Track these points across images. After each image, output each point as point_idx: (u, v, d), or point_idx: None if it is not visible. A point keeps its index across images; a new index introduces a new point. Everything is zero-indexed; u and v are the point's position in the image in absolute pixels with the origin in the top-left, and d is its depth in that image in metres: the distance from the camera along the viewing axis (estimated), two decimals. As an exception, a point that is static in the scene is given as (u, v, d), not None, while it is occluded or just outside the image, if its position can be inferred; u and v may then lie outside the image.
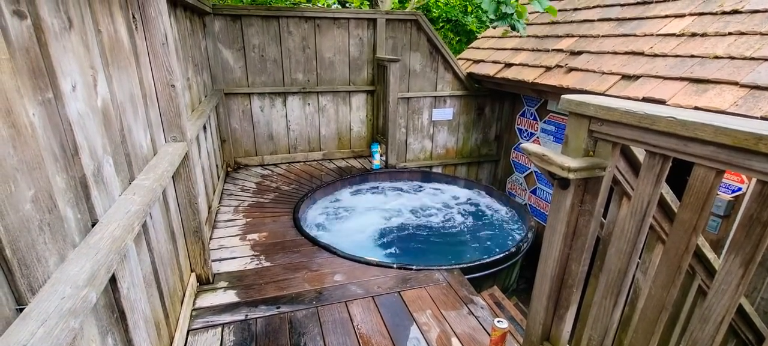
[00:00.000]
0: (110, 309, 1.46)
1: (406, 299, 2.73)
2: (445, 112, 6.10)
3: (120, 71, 1.80)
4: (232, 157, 5.23)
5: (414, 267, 3.08)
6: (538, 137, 5.57)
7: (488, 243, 4.04)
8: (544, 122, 5.42)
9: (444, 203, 4.86)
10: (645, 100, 3.19)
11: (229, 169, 5.18)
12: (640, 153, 1.59)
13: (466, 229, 4.30)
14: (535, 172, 5.67)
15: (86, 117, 1.42)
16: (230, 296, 2.73)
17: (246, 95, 5.18)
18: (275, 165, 5.48)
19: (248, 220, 3.88)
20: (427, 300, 2.72)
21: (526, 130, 5.81)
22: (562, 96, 1.57)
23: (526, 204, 5.86)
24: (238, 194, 4.48)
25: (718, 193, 3.46)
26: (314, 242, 3.46)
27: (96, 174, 1.45)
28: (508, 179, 6.30)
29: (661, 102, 3.04)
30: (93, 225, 1.41)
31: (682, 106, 2.87)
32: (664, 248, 1.32)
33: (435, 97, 5.99)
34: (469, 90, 6.01)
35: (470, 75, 5.97)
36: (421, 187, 5.23)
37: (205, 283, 2.86)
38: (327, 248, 3.35)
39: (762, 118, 2.42)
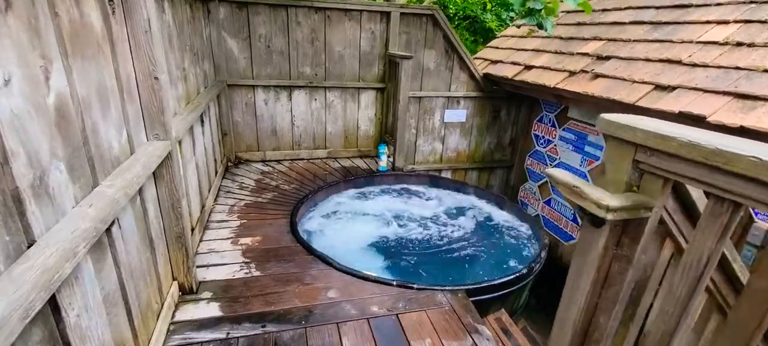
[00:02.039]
0: (51, 343, 1.24)
1: (405, 323, 2.48)
2: (459, 114, 5.80)
3: (86, 61, 1.57)
4: (232, 151, 5.02)
5: (415, 286, 2.82)
6: (555, 145, 5.24)
7: (497, 259, 3.76)
8: (563, 129, 5.09)
9: (451, 211, 4.58)
10: (681, 115, 2.86)
11: (229, 163, 4.98)
12: (694, 191, 1.31)
13: (473, 242, 4.02)
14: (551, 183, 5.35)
15: (25, 116, 1.19)
16: (213, 310, 2.51)
17: (250, 87, 4.96)
18: (277, 161, 5.26)
19: (243, 222, 3.66)
20: (427, 326, 2.46)
21: (544, 137, 5.49)
22: (601, 116, 1.29)
23: (538, 215, 5.54)
24: (236, 192, 4.27)
25: (756, 220, 3.13)
26: (310, 250, 3.23)
27: (37, 185, 1.22)
28: (521, 187, 5.98)
29: (701, 118, 2.71)
30: (30, 246, 1.19)
31: (726, 125, 2.55)
32: (726, 320, 1.05)
33: (448, 97, 5.69)
34: (485, 92, 5.70)
35: (487, 76, 5.66)
36: (427, 192, 4.96)
37: (188, 292, 2.65)
38: (323, 259, 3.11)
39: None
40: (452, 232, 4.15)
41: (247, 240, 3.35)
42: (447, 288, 2.82)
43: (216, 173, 4.32)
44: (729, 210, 0.99)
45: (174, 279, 2.56)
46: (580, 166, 4.80)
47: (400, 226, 4.16)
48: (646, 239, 1.24)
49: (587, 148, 4.70)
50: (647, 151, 1.15)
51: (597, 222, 1.30)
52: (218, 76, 4.73)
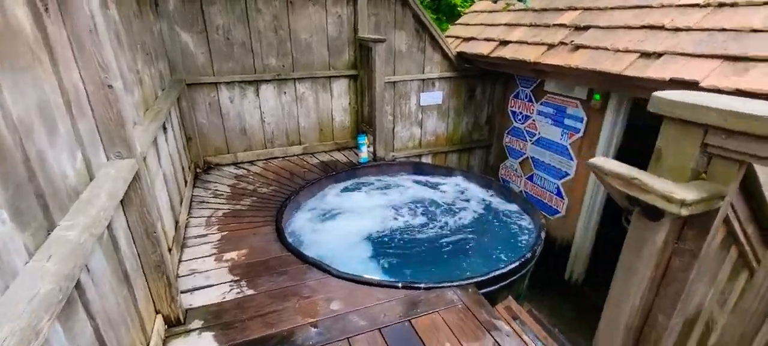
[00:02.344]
0: None
1: (419, 328, 2.32)
2: (434, 96, 5.64)
3: (18, 74, 1.23)
4: (200, 156, 4.60)
5: (422, 286, 2.66)
6: (534, 120, 5.22)
7: (494, 244, 3.67)
8: (541, 104, 5.06)
9: (440, 197, 4.45)
10: (673, 81, 2.84)
11: (197, 170, 4.56)
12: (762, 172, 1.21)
13: (467, 228, 3.91)
14: (532, 158, 5.34)
15: (-56, 159, 0.87)
16: (207, 341, 2.23)
17: (212, 85, 4.53)
18: (251, 163, 4.89)
19: (224, 234, 3.34)
20: (443, 329, 2.32)
21: (521, 113, 5.45)
22: (657, 96, 1.14)
23: (522, 191, 5.55)
24: (210, 201, 3.90)
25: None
26: (303, 258, 2.99)
27: (-28, 247, 0.92)
28: (502, 165, 5.96)
29: (694, 83, 2.69)
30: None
31: (721, 89, 2.53)
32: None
33: (423, 80, 5.50)
34: (459, 71, 5.56)
35: (460, 54, 5.51)
36: (413, 180, 4.79)
37: (175, 324, 2.35)
38: (318, 266, 2.88)
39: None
40: (445, 219, 4.03)
41: (233, 255, 3.05)
42: (455, 284, 2.69)
43: (185, 182, 3.92)
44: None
45: (157, 312, 2.26)
46: (561, 139, 4.80)
47: (391, 219, 3.98)
48: (715, 232, 1.12)
49: (567, 121, 4.69)
50: (723, 134, 1.01)
51: (654, 215, 1.16)
52: (175, 75, 4.27)
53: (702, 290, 1.31)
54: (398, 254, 3.49)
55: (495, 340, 2.22)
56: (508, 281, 2.87)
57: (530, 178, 5.41)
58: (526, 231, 3.85)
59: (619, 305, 1.33)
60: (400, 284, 2.68)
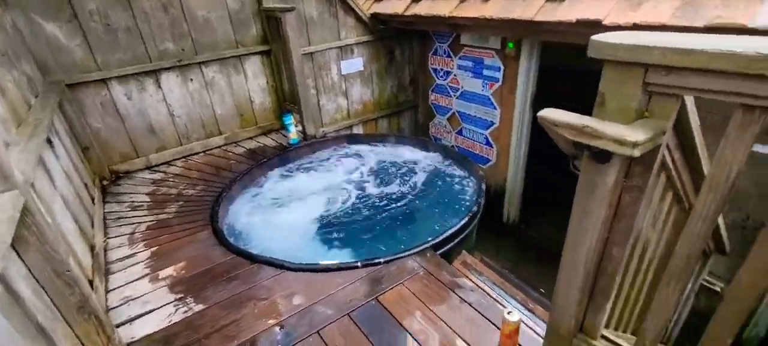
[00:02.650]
0: None
1: (387, 304, 2.32)
2: (355, 63, 5.48)
3: None
4: (104, 166, 3.97)
5: (381, 260, 2.66)
6: (455, 75, 5.36)
7: (442, 204, 3.77)
8: (460, 58, 5.19)
9: (380, 167, 4.43)
10: (579, 22, 3.05)
11: (104, 182, 3.95)
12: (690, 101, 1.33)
13: (413, 192, 3.97)
14: (459, 112, 5.53)
15: None
16: (161, 374, 2.00)
17: (100, 82, 3.87)
18: (167, 164, 4.36)
19: (154, 249, 2.97)
20: (410, 299, 2.35)
21: (442, 70, 5.55)
22: (593, 39, 1.17)
23: (454, 146, 5.76)
24: (129, 216, 3.43)
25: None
26: (252, 258, 2.79)
27: None
28: (431, 123, 6.10)
29: (598, 22, 2.92)
30: None
31: (621, 25, 2.78)
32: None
33: (341, 47, 5.29)
34: (375, 33, 5.43)
35: (375, 16, 5.36)
36: (349, 154, 4.70)
37: (117, 366, 2.06)
38: (271, 263, 2.72)
39: (706, 27, 2.41)
40: (389, 187, 4.03)
41: (169, 270, 2.74)
42: (413, 251, 2.72)
43: (92, 200, 3.38)
44: (761, 118, 0.98)
45: (92, 361, 1.95)
46: (483, 90, 5.01)
47: (335, 197, 3.88)
48: (659, 165, 1.23)
49: (486, 72, 4.89)
50: (662, 71, 1.07)
51: (604, 158, 1.24)
52: (48, 76, 3.56)
53: (643, 217, 1.45)
54: (351, 232, 3.43)
55: (460, 297, 2.31)
56: (460, 238, 2.99)
57: (459, 132, 5.62)
58: (467, 185, 4.01)
59: (575, 247, 1.42)
60: (359, 264, 2.64)
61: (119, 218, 3.38)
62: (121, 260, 2.88)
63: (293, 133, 4.59)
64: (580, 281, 1.46)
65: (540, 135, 5.17)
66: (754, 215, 3.34)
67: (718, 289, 3.35)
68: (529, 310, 2.56)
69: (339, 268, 2.62)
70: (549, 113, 1.24)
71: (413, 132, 6.41)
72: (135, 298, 2.52)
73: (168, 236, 3.12)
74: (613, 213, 1.34)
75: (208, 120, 4.60)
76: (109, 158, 4.04)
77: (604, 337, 1.56)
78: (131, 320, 2.35)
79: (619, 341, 1.54)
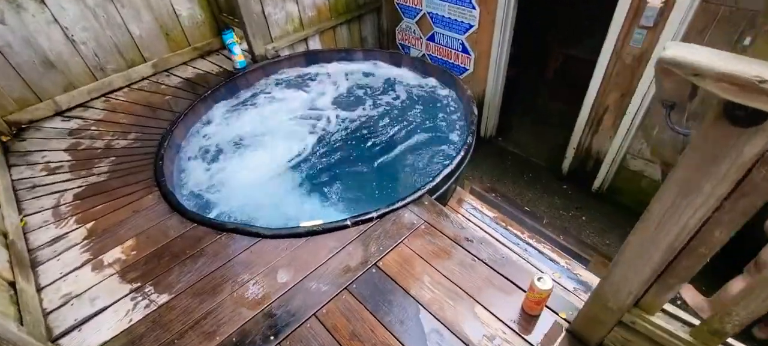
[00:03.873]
0: None
1: (389, 270, 2.05)
2: (303, -45, 4.46)
3: None
4: (-6, 118, 3.09)
5: (374, 214, 2.32)
6: (426, -31, 4.55)
7: (428, 132, 3.35)
8: (431, -54, 4.35)
9: (348, 90, 3.85)
10: None
11: (3, 140, 3.10)
12: None
13: (393, 120, 3.49)
14: (430, 13, 4.84)
15: None
16: (133, 395, 1.67)
17: (-44, 2, 2.79)
18: (83, 106, 3.50)
19: (89, 226, 2.42)
20: (414, 261, 2.08)
21: (409, -38, 4.69)
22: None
23: (424, 55, 5.18)
24: (47, 182, 2.74)
25: (647, 1, 3.21)
26: (218, 226, 2.34)
27: None
28: (397, 28, 5.37)
29: None
30: None
31: None
32: None
33: (283, -65, 4.22)
34: None
35: None
36: (311, 76, 4.02)
37: (74, 391, 1.69)
38: (243, 231, 2.29)
39: None
40: (363, 116, 3.53)
41: (116, 253, 2.24)
42: (409, 200, 2.40)
43: (-12, 170, 2.64)
44: None
45: (36, 400, 1.56)
46: (459, -12, 4.32)
47: (302, 133, 3.34)
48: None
49: (463, -35, 4.16)
50: None
51: (753, 120, 0.87)
52: None
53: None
54: (329, 176, 3.00)
55: (472, 255, 2.08)
56: (456, 176, 2.69)
57: (431, 38, 5.00)
58: (452, 103, 3.60)
59: (665, 225, 1.13)
60: (349, 222, 2.29)
61: (34, 187, 2.69)
62: (49, 243, 2.32)
63: (238, 56, 3.79)
64: (657, 261, 1.21)
65: (516, 35, 4.72)
66: None
67: None
68: (539, 251, 2.42)
69: (325, 229, 2.27)
70: (685, 54, 0.82)
71: (377, 40, 5.68)
72: (79, 294, 2.06)
73: (104, 205, 2.54)
74: (732, 190, 1.02)
75: (124, 44, 3.64)
76: (1, 107, 3.13)
77: (663, 310, 1.39)
78: (79, 325, 1.92)
79: (679, 313, 1.38)
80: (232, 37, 3.75)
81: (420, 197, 2.44)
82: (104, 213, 2.49)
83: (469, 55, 4.70)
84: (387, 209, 2.36)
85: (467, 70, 4.79)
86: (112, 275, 2.14)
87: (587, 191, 4.37)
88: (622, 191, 4.17)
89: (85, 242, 2.32)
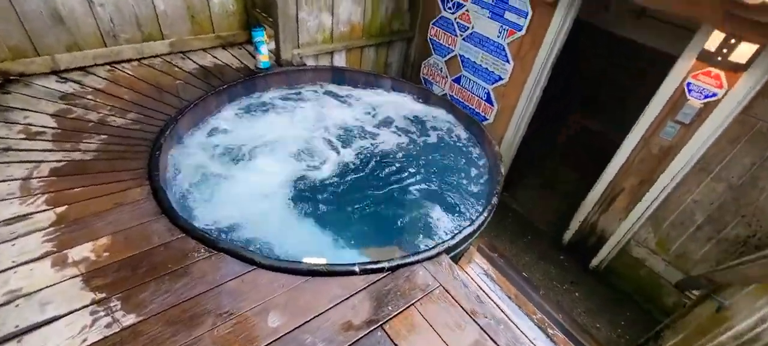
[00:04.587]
0: None
1: (397, 337, 1.77)
2: (349, -30, 4.32)
3: None
4: (-18, 63, 2.77)
5: (386, 265, 2.05)
6: (467, 10, 4.45)
7: (447, 176, 3.11)
8: (479, -10, 4.26)
9: (372, 116, 3.62)
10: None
11: (-17, 87, 2.78)
12: None
13: (411, 158, 3.23)
14: (462, 56, 4.72)
15: None
16: None
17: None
18: (84, 71, 3.20)
19: (61, 210, 2.09)
20: (425, 331, 1.81)
21: (452, 0, 4.59)
22: None
23: (446, 94, 5.03)
24: (23, 146, 2.41)
25: (688, 97, 3.14)
26: (210, 242, 2.04)
27: None
28: (424, 62, 5.23)
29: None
30: None
31: None
32: None
33: (334, -57, 4.09)
34: (381, -66, 4.26)
35: None
36: (332, 93, 3.79)
37: None
38: (237, 254, 2.00)
39: None
40: (385, 147, 3.27)
41: (86, 250, 1.92)
42: (423, 256, 2.14)
43: (-41, 121, 2.31)
44: None
45: None
46: (499, 37, 4.21)
47: (316, 153, 3.07)
48: None
49: (507, 15, 4.06)
50: None
51: None
52: None
53: None
54: (339, 205, 2.71)
55: (488, 336, 1.82)
56: (476, 236, 2.46)
57: (457, 79, 4.87)
58: (474, 153, 3.39)
59: None
60: (357, 268, 2.02)
61: (7, 150, 2.36)
62: (7, 222, 1.98)
63: (264, 56, 3.57)
64: None
65: (547, 106, 4.61)
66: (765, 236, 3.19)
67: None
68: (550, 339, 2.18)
69: (330, 272, 1.99)
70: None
71: (401, 68, 5.53)
72: (29, 293, 1.72)
73: (83, 188, 2.23)
74: None
75: (145, 16, 3.38)
76: (-8, 52, 2.82)
77: None
78: (20, 334, 1.58)
79: None
80: (262, 36, 3.52)
81: (437, 255, 2.19)
82: (81, 198, 2.17)
83: (492, 106, 4.57)
84: (400, 262, 2.10)
85: (487, 119, 4.65)
86: (75, 276, 1.81)
87: (584, 266, 4.24)
88: (620, 274, 4.05)
89: (52, 228, 1.99)
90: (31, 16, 2.89)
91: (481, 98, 4.65)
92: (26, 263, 1.82)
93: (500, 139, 4.58)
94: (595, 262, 4.18)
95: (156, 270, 1.89)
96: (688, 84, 3.08)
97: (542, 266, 4.27)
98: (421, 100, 3.93)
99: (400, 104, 3.84)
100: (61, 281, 1.78)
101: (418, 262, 2.12)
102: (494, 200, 2.59)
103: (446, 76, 4.99)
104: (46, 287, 1.75)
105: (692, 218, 3.48)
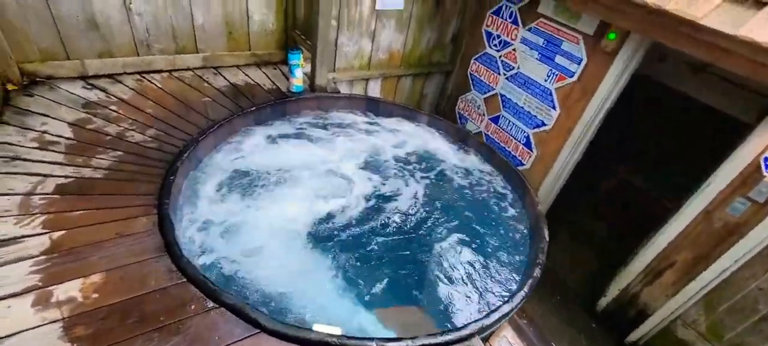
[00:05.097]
0: None
1: None
2: (395, -1, 4.14)
3: None
4: (9, 62, 2.66)
5: (409, 343, 1.74)
6: (514, 49, 4.18)
7: (478, 236, 2.76)
8: (529, 30, 3.99)
9: (405, 156, 3.32)
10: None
11: (7, 88, 2.67)
12: None
13: (438, 206, 2.90)
14: (503, 96, 4.42)
15: None
16: None
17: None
18: (112, 79, 3.08)
19: (57, 236, 1.88)
20: None
21: (499, 36, 4.34)
22: None
23: (481, 133, 4.73)
24: (33, 157, 2.26)
25: (765, 174, 2.74)
26: (212, 294, 1.78)
27: None
28: (461, 97, 4.96)
29: None
30: None
31: None
32: None
33: (381, -30, 3.93)
34: (429, -34, 4.08)
35: (432, -59, 3.98)
36: (365, 124, 3.54)
37: None
38: (241, 312, 1.73)
39: None
40: (412, 195, 2.95)
41: (74, 289, 1.69)
42: (453, 337, 1.81)
43: (-29, 123, 2.18)
44: None
45: None
46: (546, 81, 3.91)
47: (341, 193, 2.79)
48: None
49: (558, 59, 3.76)
50: None
51: None
52: None
53: None
54: (362, 256, 2.40)
55: None
56: (511, 316, 2.10)
57: (495, 119, 4.56)
58: (513, 208, 3.05)
59: None
60: (375, 344, 1.70)
61: (14, 159, 2.20)
62: (-1, 243, 1.79)
63: (298, 79, 3.37)
64: None
65: (590, 156, 4.24)
66: None
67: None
68: None
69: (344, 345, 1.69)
70: None
71: (436, 101, 5.28)
72: (3, 337, 1.49)
73: (85, 212, 2.02)
74: None
75: (182, 29, 3.27)
76: (20, 51, 2.71)
77: None
78: (-19, 391, 1.35)
79: None
80: (299, 59, 3.33)
81: (467, 336, 1.86)
82: (81, 223, 1.97)
83: (531, 151, 4.22)
84: (426, 341, 1.78)
85: (523, 165, 4.30)
86: (56, 321, 1.57)
87: (619, 339, 3.79)
88: (660, 356, 3.57)
89: (43, 257, 1.78)
90: (67, 20, 2.80)
91: (520, 142, 4.32)
92: (5, 298, 1.61)
93: (537, 187, 4.21)
94: (633, 337, 3.72)
95: (146, 322, 1.63)
96: (766, 159, 2.68)
97: (571, 332, 3.84)
98: (457, 142, 3.63)
99: (435, 144, 3.55)
100: (39, 325, 1.55)
101: (446, 343, 1.79)
102: (536, 273, 2.24)
103: (484, 114, 4.69)
104: (22, 331, 1.52)
105: (755, 306, 3.02)
